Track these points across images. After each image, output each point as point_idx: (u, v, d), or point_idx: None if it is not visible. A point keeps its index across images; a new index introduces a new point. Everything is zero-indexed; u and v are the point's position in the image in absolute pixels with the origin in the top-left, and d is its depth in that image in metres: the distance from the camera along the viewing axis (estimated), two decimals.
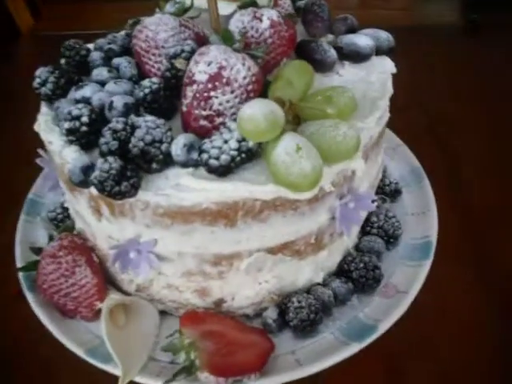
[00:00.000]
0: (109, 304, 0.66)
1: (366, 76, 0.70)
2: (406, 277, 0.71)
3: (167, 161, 0.56)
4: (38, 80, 0.66)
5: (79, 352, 0.64)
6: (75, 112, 0.58)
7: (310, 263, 0.65)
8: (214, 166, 0.54)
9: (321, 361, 0.62)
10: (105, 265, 0.69)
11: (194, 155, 0.55)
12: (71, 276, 0.67)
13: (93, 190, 0.56)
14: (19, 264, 0.75)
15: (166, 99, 0.61)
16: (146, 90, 0.60)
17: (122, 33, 0.77)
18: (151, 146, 0.54)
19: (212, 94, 0.56)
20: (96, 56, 0.70)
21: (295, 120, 0.58)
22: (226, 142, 0.54)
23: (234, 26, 0.64)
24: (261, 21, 0.63)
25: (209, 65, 0.56)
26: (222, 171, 0.54)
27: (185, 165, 0.56)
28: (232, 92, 0.56)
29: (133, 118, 0.58)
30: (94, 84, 0.65)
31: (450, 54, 1.34)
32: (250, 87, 0.57)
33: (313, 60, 0.66)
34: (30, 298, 0.71)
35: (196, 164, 0.56)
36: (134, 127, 0.56)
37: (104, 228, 0.62)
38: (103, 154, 0.56)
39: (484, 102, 1.18)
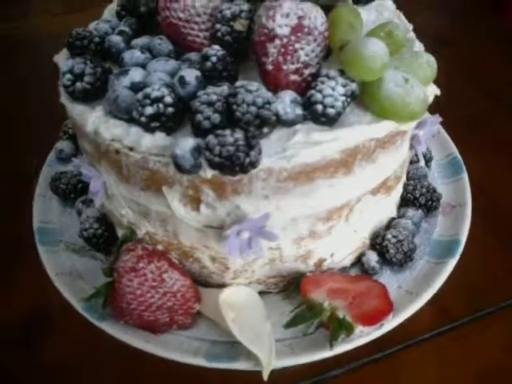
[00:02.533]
0: (220, 300, 0.60)
1: (379, 16, 0.72)
2: (452, 192, 0.77)
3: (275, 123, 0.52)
4: (68, 76, 0.57)
5: (202, 362, 0.58)
6: (155, 94, 0.51)
7: (392, 198, 0.68)
8: (331, 115, 0.52)
9: (430, 286, 0.64)
10: (185, 263, 0.63)
11: (299, 111, 0.53)
12: (160, 285, 0.60)
13: (206, 173, 0.50)
14: (72, 296, 0.65)
15: (233, 65, 0.57)
16: (214, 59, 0.56)
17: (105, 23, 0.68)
18: (263, 108, 0.50)
19: (297, 46, 0.54)
20: (117, 40, 0.62)
21: None
22: (333, 89, 0.52)
23: None
24: None
25: (287, 16, 0.53)
26: (336, 119, 0.53)
27: (293, 122, 0.53)
28: (315, 41, 0.54)
29: (214, 88, 0.53)
30: (136, 67, 0.58)
31: None
32: (326, 34, 0.56)
33: None
34: (108, 328, 0.62)
35: (304, 119, 0.53)
36: (227, 96, 0.52)
37: (200, 218, 0.57)
38: (205, 131, 0.50)
39: None
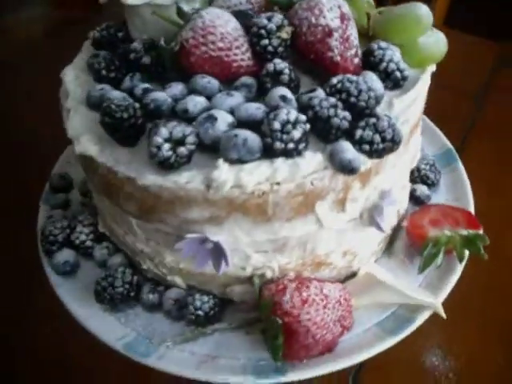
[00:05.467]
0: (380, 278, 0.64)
1: None
2: None
3: None
4: (167, 146, 0.49)
5: (390, 340, 0.61)
6: (292, 116, 0.50)
7: None
8: (408, 78, 0.59)
9: (464, 190, 0.78)
10: (317, 275, 0.64)
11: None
12: (328, 300, 0.59)
13: (367, 165, 0.53)
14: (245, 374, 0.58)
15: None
16: (287, 71, 0.56)
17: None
18: (371, 90, 0.54)
19: (348, 32, 0.58)
20: (162, 96, 0.55)
21: None
22: (396, 57, 0.59)
23: None
24: None
25: (332, 10, 0.57)
26: None
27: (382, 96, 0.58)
28: (352, 24, 0.60)
29: (309, 94, 0.54)
30: (217, 110, 0.53)
31: None
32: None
33: None
34: (298, 374, 0.59)
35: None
36: (336, 106, 0.53)
37: (345, 216, 0.58)
38: (343, 132, 0.52)
39: None
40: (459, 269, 0.68)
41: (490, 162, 0.93)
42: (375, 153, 0.52)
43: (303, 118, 0.51)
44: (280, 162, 0.51)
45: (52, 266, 0.70)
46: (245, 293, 0.63)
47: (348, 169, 0.51)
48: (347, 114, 0.52)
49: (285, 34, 0.58)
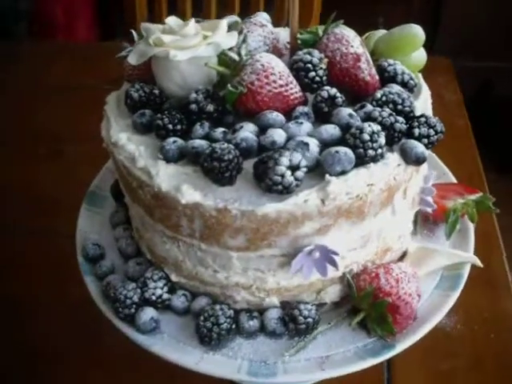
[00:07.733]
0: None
1: None
2: None
3: None
4: (289, 172, 0.55)
5: None
6: (374, 128, 0.60)
7: None
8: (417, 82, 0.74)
9: None
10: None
11: None
12: (407, 275, 0.70)
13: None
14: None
15: None
16: (338, 94, 0.66)
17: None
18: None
19: (366, 54, 0.71)
20: (250, 136, 0.61)
21: None
22: (404, 72, 0.73)
23: None
24: None
25: (354, 40, 0.69)
26: None
27: None
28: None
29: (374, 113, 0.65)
30: (308, 138, 0.61)
31: None
32: None
33: None
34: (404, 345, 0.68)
35: None
36: (392, 114, 0.64)
37: (406, 203, 0.69)
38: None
39: None
40: (472, 228, 0.84)
41: None
42: (430, 144, 0.65)
43: (379, 127, 0.62)
44: (372, 166, 0.61)
45: (137, 327, 0.69)
46: (335, 292, 0.70)
47: (421, 160, 0.63)
48: (401, 119, 0.64)
49: (324, 64, 0.68)
